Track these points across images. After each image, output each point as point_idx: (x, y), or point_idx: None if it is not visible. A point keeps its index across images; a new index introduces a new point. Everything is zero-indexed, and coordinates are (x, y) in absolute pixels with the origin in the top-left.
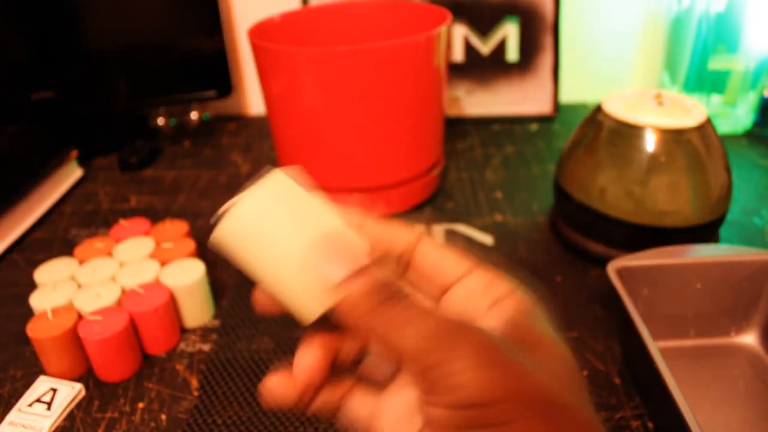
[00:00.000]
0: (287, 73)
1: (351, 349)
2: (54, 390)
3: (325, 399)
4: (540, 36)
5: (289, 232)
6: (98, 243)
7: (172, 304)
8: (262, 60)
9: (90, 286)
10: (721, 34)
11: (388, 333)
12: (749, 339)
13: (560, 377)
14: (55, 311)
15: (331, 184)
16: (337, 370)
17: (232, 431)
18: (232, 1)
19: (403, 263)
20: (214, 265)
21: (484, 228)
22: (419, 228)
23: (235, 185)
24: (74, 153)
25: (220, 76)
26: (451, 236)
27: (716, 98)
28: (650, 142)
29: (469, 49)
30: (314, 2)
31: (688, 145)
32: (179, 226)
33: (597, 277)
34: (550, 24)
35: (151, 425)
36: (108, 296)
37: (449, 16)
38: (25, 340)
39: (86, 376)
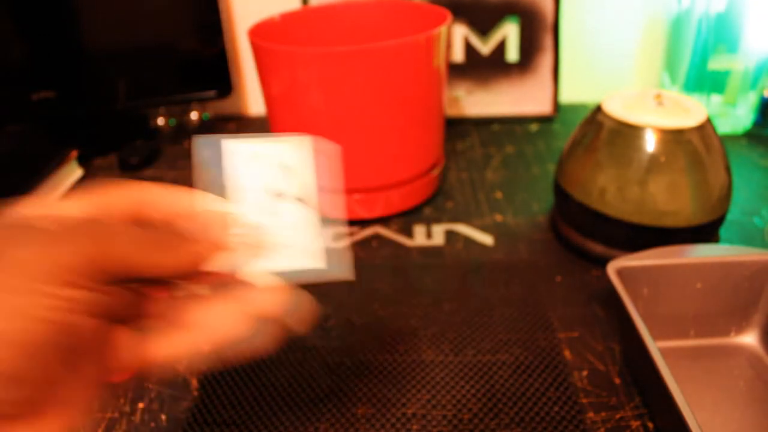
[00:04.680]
0: (287, 73)
1: None
2: None
3: None
4: (540, 36)
5: None
6: None
7: None
8: (262, 60)
9: None
10: (721, 34)
11: None
12: (749, 339)
13: None
14: None
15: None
16: None
17: (233, 431)
18: (232, 1)
19: None
20: None
21: (484, 228)
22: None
23: None
24: (74, 153)
25: (220, 76)
26: (451, 236)
27: (716, 98)
28: (650, 142)
29: (469, 49)
30: (314, 2)
31: (688, 145)
32: None
33: (597, 277)
34: (550, 24)
35: (151, 425)
36: None
37: (449, 16)
38: None
39: None
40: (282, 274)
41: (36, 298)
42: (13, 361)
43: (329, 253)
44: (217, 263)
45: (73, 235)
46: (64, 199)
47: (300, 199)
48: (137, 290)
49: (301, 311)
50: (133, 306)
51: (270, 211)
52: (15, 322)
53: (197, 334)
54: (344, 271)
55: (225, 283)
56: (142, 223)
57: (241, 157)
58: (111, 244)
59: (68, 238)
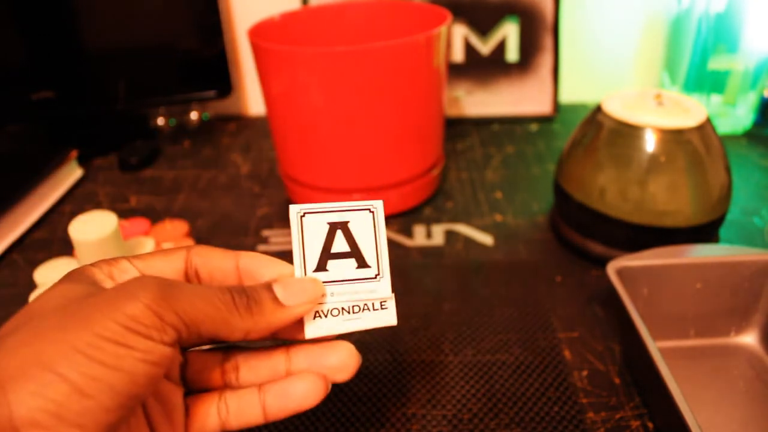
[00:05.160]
0: (287, 73)
1: None
2: None
3: None
4: (540, 36)
5: None
6: None
7: None
8: (262, 60)
9: None
10: (721, 34)
11: None
12: (749, 339)
13: None
14: None
15: (331, 184)
16: None
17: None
18: (232, 1)
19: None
20: None
21: (484, 228)
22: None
23: (235, 185)
24: (74, 153)
25: (220, 76)
26: (451, 236)
27: (716, 98)
28: (650, 142)
29: (469, 49)
30: (314, 2)
31: (688, 145)
32: (179, 226)
33: (597, 277)
34: (550, 24)
35: None
36: None
37: (449, 16)
38: None
39: None
40: (350, 332)
41: (111, 347)
42: (79, 407)
43: (392, 305)
44: (296, 329)
45: (140, 288)
46: (167, 256)
47: (369, 262)
48: (214, 356)
49: (355, 364)
50: (206, 368)
51: (341, 274)
52: (96, 370)
53: (272, 401)
54: (394, 319)
55: (298, 345)
56: (235, 288)
57: (319, 226)
58: (178, 299)
59: (134, 290)
